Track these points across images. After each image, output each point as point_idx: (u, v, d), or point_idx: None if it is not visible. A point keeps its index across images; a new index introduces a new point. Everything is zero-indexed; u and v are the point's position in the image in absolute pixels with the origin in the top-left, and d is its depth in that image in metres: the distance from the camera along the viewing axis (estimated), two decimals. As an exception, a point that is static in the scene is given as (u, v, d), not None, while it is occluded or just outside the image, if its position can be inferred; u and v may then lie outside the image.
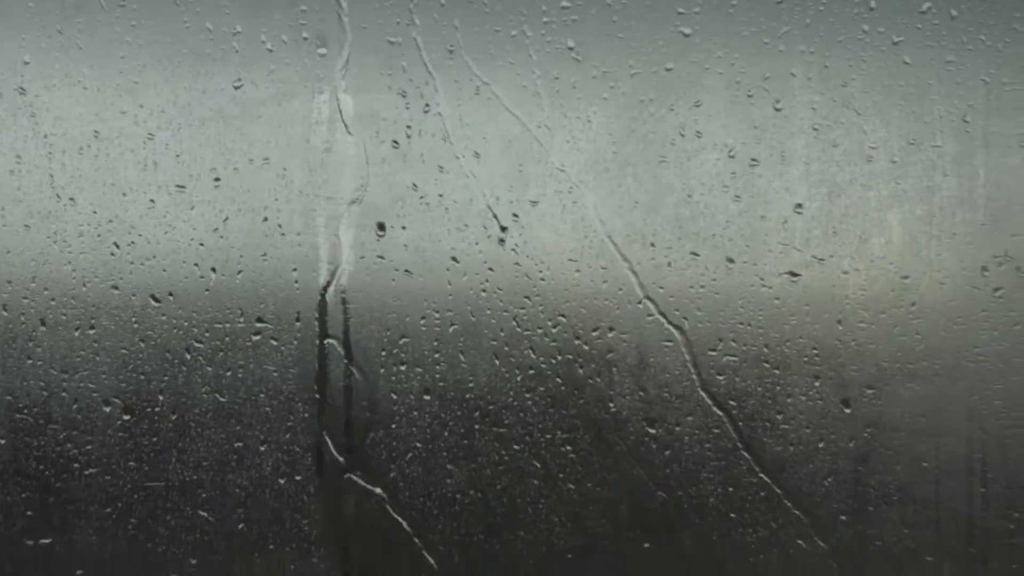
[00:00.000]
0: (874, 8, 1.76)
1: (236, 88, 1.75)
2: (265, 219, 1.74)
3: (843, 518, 1.78)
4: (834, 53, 1.76)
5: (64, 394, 1.74)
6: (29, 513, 1.75)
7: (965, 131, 1.76)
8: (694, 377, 1.76)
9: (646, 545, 1.78)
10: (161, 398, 1.74)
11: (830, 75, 1.76)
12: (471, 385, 1.76)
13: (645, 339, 1.76)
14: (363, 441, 1.76)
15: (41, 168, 1.74)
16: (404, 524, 1.77)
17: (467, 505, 1.77)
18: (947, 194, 1.77)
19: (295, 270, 1.74)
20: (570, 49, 1.76)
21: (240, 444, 1.75)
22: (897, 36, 1.76)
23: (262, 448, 1.75)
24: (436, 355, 1.76)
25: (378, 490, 1.77)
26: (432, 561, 1.77)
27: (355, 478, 1.76)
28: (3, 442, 1.73)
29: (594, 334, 1.76)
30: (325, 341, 1.75)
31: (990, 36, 1.77)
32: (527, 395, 1.76)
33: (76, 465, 1.74)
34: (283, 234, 1.74)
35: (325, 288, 1.75)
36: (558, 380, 1.76)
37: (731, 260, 1.76)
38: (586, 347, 1.76)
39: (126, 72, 1.75)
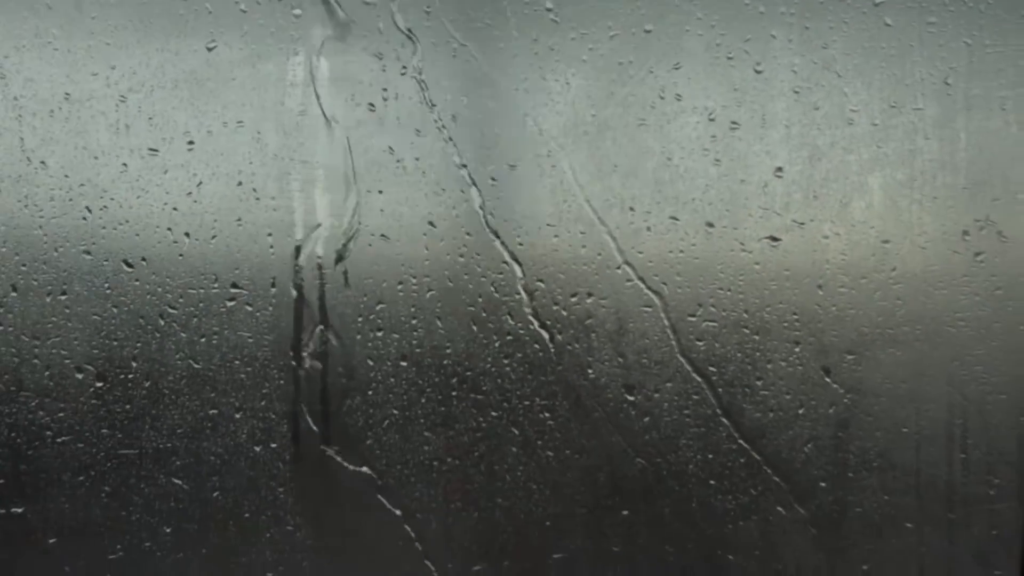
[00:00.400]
0: (855, -30, 1.75)
1: (209, 50, 1.73)
2: (239, 183, 1.72)
3: (823, 484, 1.76)
4: (815, 15, 1.74)
5: (36, 360, 1.71)
6: (0, 481, 1.73)
7: (947, 94, 1.75)
8: (673, 343, 1.75)
9: (624, 512, 1.76)
10: (134, 364, 1.72)
11: (811, 37, 1.75)
12: (448, 351, 1.74)
13: (624, 305, 1.75)
14: (339, 408, 1.74)
15: (11, 131, 1.71)
16: (381, 492, 1.75)
17: (444, 472, 1.75)
18: (928, 157, 1.75)
19: (270, 235, 1.72)
20: (548, 10, 1.74)
21: (215, 411, 1.73)
22: (878, -3, 1.75)
23: (237, 416, 1.73)
24: (413, 321, 1.74)
25: (354, 459, 1.75)
26: (409, 529, 1.76)
27: (330, 445, 1.74)
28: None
29: (572, 300, 1.74)
30: (301, 307, 1.73)
31: (972, -3, 1.76)
32: (505, 361, 1.74)
33: (48, 433, 1.72)
34: (258, 198, 1.72)
35: (300, 253, 1.73)
36: (536, 346, 1.74)
37: (711, 225, 1.74)
38: (564, 313, 1.74)
39: (97, 33, 1.72)
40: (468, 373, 1.74)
